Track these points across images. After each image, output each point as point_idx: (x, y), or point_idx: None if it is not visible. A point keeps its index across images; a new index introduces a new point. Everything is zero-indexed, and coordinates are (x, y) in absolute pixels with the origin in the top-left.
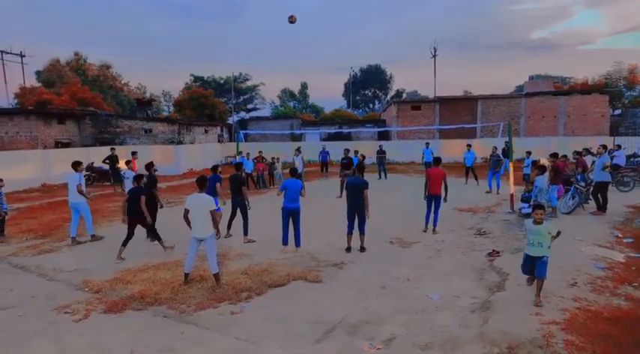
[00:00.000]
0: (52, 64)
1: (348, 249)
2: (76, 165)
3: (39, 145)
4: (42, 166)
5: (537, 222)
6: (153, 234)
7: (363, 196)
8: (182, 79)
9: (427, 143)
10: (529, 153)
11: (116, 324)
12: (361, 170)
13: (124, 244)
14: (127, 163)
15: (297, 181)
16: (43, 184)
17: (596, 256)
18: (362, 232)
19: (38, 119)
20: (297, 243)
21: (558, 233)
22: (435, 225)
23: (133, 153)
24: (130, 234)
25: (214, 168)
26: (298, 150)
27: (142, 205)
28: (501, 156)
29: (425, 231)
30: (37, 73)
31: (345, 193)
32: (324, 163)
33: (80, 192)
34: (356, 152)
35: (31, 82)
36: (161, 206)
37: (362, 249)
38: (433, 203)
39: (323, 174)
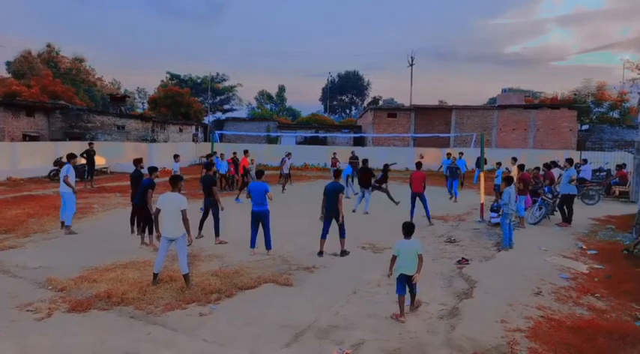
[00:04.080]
0: (23, 55)
1: (320, 253)
2: (69, 157)
3: (6, 138)
4: (8, 159)
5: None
6: (149, 224)
7: (338, 200)
8: (158, 76)
9: (448, 154)
10: (499, 164)
11: (80, 324)
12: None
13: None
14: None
15: (262, 184)
16: (8, 177)
17: (561, 266)
18: (342, 235)
19: (6, 111)
20: (268, 246)
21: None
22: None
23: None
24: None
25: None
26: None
27: (147, 197)
28: (475, 166)
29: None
30: (7, 63)
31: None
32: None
33: (66, 182)
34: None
35: (1, 72)
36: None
37: (343, 253)
38: (417, 200)
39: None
